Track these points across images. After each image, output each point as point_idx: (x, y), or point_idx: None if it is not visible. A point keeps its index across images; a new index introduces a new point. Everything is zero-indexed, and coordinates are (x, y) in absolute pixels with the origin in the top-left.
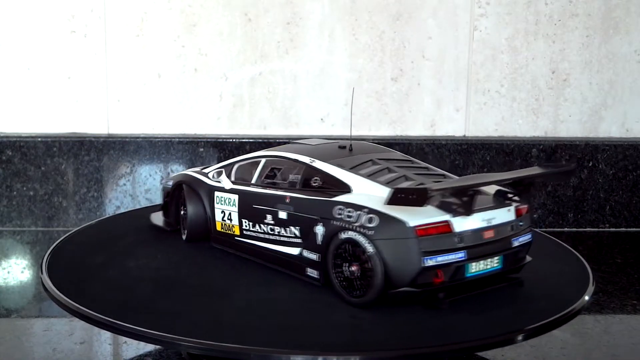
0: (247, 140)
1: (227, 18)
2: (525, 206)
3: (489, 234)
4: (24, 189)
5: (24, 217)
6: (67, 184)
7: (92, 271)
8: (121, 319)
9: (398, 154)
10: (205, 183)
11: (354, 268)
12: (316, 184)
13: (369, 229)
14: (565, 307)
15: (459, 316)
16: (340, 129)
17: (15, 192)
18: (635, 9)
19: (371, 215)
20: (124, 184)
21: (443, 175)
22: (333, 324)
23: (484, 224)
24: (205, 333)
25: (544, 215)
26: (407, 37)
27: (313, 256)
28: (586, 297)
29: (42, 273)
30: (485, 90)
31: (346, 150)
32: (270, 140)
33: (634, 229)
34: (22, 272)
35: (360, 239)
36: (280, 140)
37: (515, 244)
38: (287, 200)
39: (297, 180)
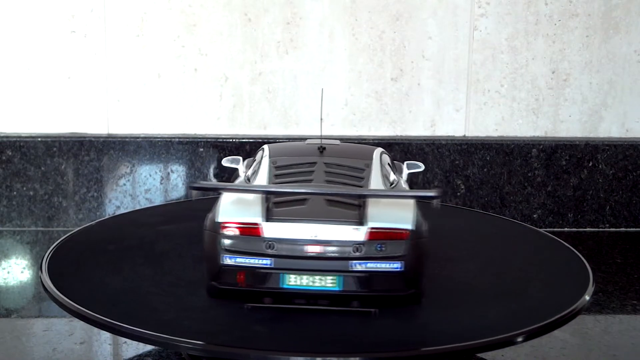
0: (247, 140)
1: (227, 18)
2: (399, 230)
3: (313, 249)
4: (24, 189)
5: (24, 217)
6: (67, 184)
7: (92, 271)
8: (121, 320)
9: (359, 162)
10: None
11: None
12: None
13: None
14: (565, 307)
15: (459, 317)
16: (340, 129)
17: (15, 192)
18: (635, 9)
19: (215, 209)
20: (124, 184)
21: (356, 185)
22: (333, 324)
23: (306, 237)
24: (205, 334)
25: (544, 215)
26: (407, 37)
27: None
28: (586, 297)
29: (42, 273)
30: (485, 90)
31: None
32: (271, 141)
33: (634, 229)
34: (22, 272)
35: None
36: (281, 141)
37: (358, 268)
38: None
39: None
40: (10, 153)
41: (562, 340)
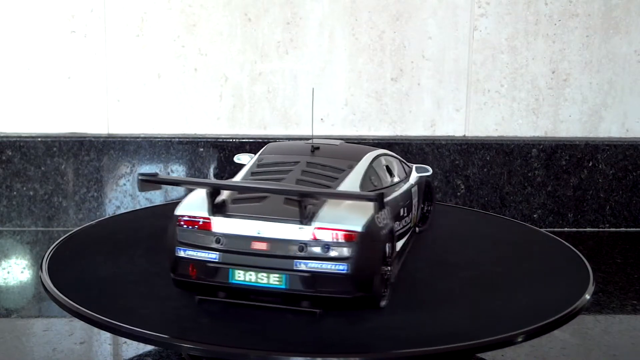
0: (247, 140)
1: (227, 18)
2: (346, 231)
3: (259, 245)
4: (24, 189)
5: (24, 217)
6: (67, 184)
7: (92, 271)
8: (121, 320)
9: (343, 163)
10: None
11: None
12: None
13: None
14: (565, 307)
15: (459, 317)
16: (340, 129)
17: (15, 192)
18: (635, 9)
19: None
20: (124, 184)
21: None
22: (333, 325)
23: (252, 233)
24: (205, 334)
25: (544, 215)
26: (407, 37)
27: None
28: (586, 297)
29: (42, 273)
30: (485, 90)
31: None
32: (271, 141)
33: (634, 229)
34: (22, 272)
35: None
36: (281, 141)
37: (301, 267)
38: None
39: None
40: (10, 153)
41: (562, 340)
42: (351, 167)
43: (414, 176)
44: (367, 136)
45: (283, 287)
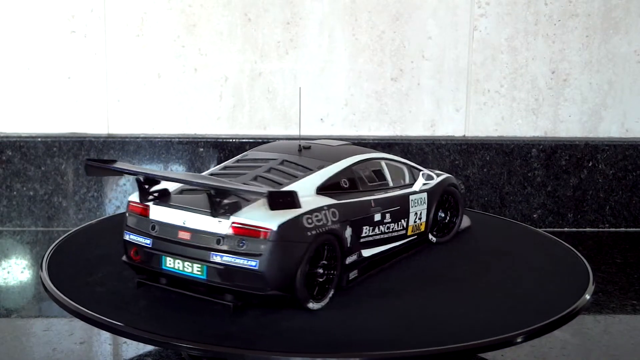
0: (247, 140)
1: (227, 18)
2: (260, 228)
3: (184, 235)
4: (24, 189)
5: (24, 217)
6: (67, 184)
7: (93, 271)
8: (121, 320)
9: (315, 163)
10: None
11: None
12: None
13: None
14: (565, 307)
15: (459, 317)
16: (340, 129)
17: (15, 192)
18: (635, 9)
19: None
20: (124, 184)
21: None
22: (332, 324)
23: (179, 223)
24: (205, 335)
25: (544, 215)
26: (407, 37)
27: None
28: (586, 297)
29: (42, 272)
30: (485, 90)
31: (297, 150)
32: (271, 141)
33: (634, 229)
34: (22, 272)
35: None
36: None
37: (216, 259)
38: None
39: None
40: (10, 153)
41: (562, 340)
42: (320, 168)
43: (419, 184)
44: (367, 136)
45: (203, 277)
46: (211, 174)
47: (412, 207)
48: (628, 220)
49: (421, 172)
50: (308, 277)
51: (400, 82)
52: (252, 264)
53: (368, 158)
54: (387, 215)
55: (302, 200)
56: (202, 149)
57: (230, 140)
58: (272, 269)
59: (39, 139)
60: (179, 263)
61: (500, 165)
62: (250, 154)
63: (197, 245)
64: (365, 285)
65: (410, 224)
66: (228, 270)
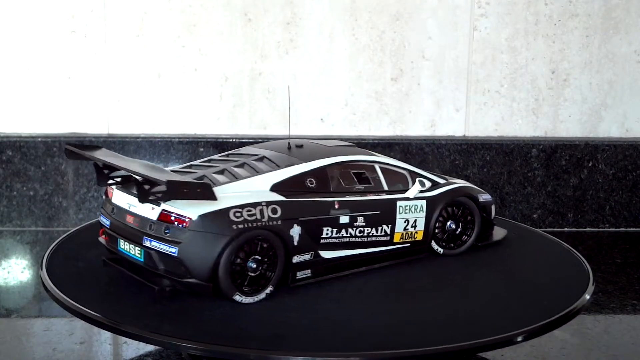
0: (247, 140)
1: (227, 18)
2: (182, 217)
3: (129, 219)
4: (24, 189)
5: (24, 217)
6: (67, 184)
7: (93, 271)
8: (121, 320)
9: (285, 161)
10: None
11: None
12: None
13: None
14: (565, 307)
15: (459, 316)
16: (340, 129)
17: (15, 192)
18: (635, 9)
19: None
20: None
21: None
22: (332, 324)
23: (126, 206)
24: (205, 334)
25: (544, 215)
26: (407, 37)
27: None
28: (586, 297)
29: (42, 272)
30: (485, 90)
31: (286, 149)
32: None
33: (634, 229)
34: (22, 272)
35: None
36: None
37: (147, 244)
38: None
39: None
40: (10, 153)
41: (562, 340)
42: (288, 166)
43: (414, 190)
44: (367, 136)
45: (142, 260)
46: (191, 165)
47: (400, 213)
48: (628, 220)
49: (417, 179)
50: (234, 270)
51: (400, 82)
52: (172, 250)
53: (350, 160)
54: (360, 219)
55: (239, 194)
56: (202, 149)
57: (230, 140)
58: (190, 257)
59: (39, 139)
60: (127, 245)
61: (500, 165)
62: (243, 149)
63: (137, 229)
64: (365, 285)
65: (398, 230)
66: (157, 255)
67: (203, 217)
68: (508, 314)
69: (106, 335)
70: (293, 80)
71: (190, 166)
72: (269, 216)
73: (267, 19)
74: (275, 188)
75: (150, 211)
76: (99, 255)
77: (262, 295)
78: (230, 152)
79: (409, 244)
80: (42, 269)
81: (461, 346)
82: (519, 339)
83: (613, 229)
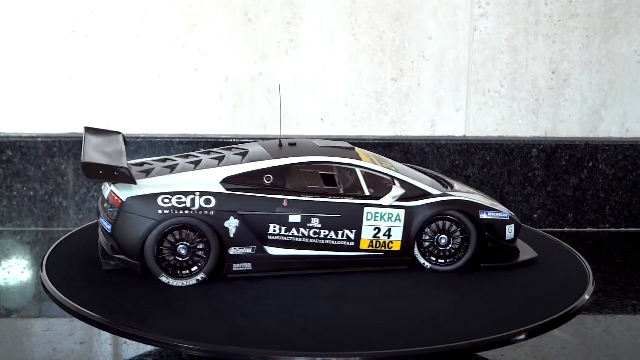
0: (247, 140)
1: (227, 18)
2: (116, 197)
3: (102, 199)
4: (24, 189)
5: (24, 217)
6: (67, 184)
7: (93, 271)
8: (121, 320)
9: (263, 157)
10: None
11: None
12: None
13: None
14: (565, 307)
15: (459, 316)
16: (340, 129)
17: (15, 192)
18: (635, 9)
19: None
20: None
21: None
22: (332, 324)
23: (106, 192)
24: (205, 334)
25: (544, 215)
26: (407, 37)
27: None
28: (586, 297)
29: (42, 272)
30: (485, 90)
31: (277, 147)
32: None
33: (634, 229)
34: (22, 272)
35: None
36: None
37: (105, 224)
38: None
39: None
40: (10, 153)
41: (562, 340)
42: (256, 161)
43: (388, 198)
44: (367, 136)
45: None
46: (187, 155)
47: (368, 219)
48: (628, 220)
49: (393, 187)
50: (161, 252)
51: (400, 82)
52: (108, 227)
53: (322, 161)
54: (314, 220)
55: (178, 182)
56: (202, 149)
57: (230, 140)
58: (119, 236)
59: (39, 139)
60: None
61: (500, 165)
62: (240, 145)
63: (101, 209)
64: (365, 285)
65: (365, 237)
66: (103, 231)
67: (131, 199)
68: (508, 313)
69: (106, 335)
70: (293, 80)
71: (180, 157)
72: (200, 205)
73: (267, 19)
74: (226, 181)
75: (107, 191)
76: (98, 256)
77: (192, 281)
78: (228, 147)
79: (381, 253)
80: (42, 270)
81: (461, 345)
82: (519, 338)
83: (613, 229)
